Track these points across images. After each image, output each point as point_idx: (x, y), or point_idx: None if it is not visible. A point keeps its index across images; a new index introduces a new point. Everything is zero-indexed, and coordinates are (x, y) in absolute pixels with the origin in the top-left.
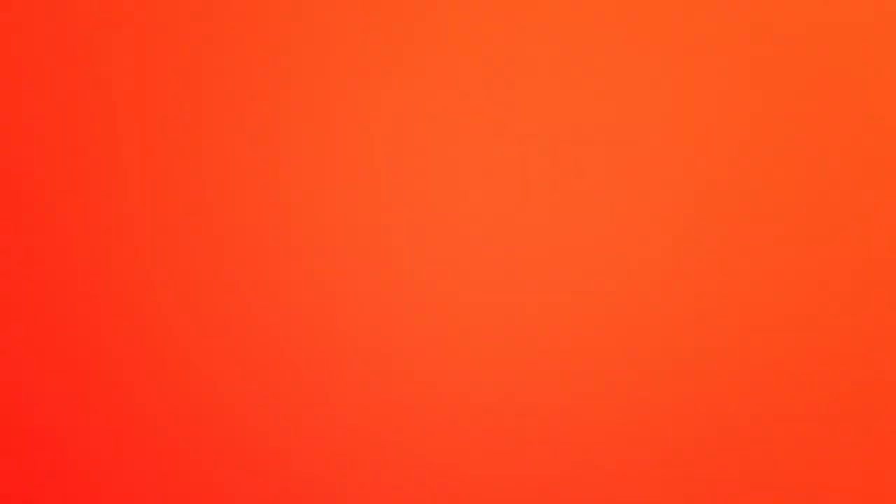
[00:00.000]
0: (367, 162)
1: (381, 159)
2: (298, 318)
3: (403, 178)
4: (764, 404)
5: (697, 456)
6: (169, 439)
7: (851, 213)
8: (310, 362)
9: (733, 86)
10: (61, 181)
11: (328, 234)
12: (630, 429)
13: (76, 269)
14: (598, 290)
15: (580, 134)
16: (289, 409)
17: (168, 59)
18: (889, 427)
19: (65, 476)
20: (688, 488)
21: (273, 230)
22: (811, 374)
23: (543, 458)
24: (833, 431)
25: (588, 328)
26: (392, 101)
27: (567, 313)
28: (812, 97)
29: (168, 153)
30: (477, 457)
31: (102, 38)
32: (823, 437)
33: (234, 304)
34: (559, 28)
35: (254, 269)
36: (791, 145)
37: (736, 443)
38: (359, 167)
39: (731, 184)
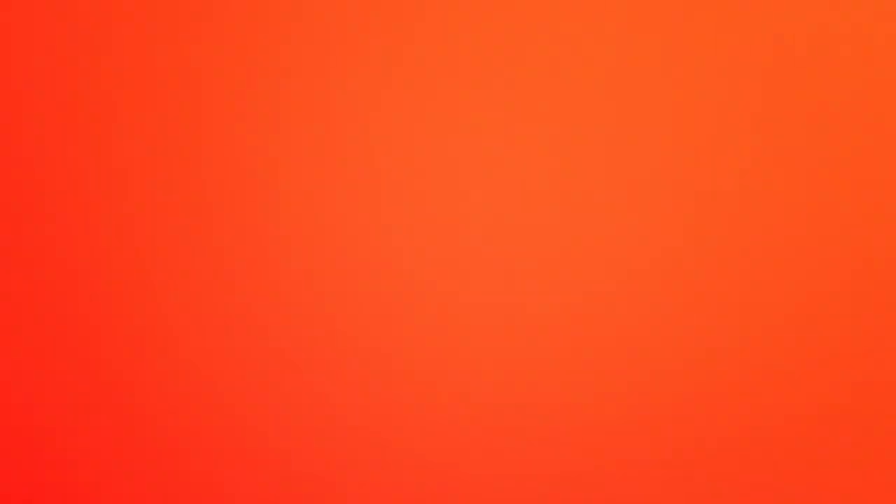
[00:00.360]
0: (367, 161)
1: (382, 159)
2: (299, 318)
3: (404, 178)
4: (764, 404)
5: (698, 456)
6: (168, 439)
7: (851, 213)
8: (311, 362)
9: (733, 86)
10: (59, 181)
11: (329, 233)
12: (630, 429)
13: (74, 269)
14: (598, 290)
15: (581, 134)
16: (289, 409)
17: (168, 58)
18: (889, 427)
19: (63, 476)
20: (688, 488)
21: (274, 229)
22: (811, 374)
23: (543, 458)
24: (833, 432)
25: (588, 328)
26: (392, 100)
27: (567, 313)
28: (812, 97)
29: (169, 152)
30: (477, 457)
31: (102, 38)
32: (823, 437)
33: (235, 303)
34: (559, 28)
35: (254, 268)
36: (791, 145)
37: (736, 443)
38: (359, 167)
39: (731, 184)
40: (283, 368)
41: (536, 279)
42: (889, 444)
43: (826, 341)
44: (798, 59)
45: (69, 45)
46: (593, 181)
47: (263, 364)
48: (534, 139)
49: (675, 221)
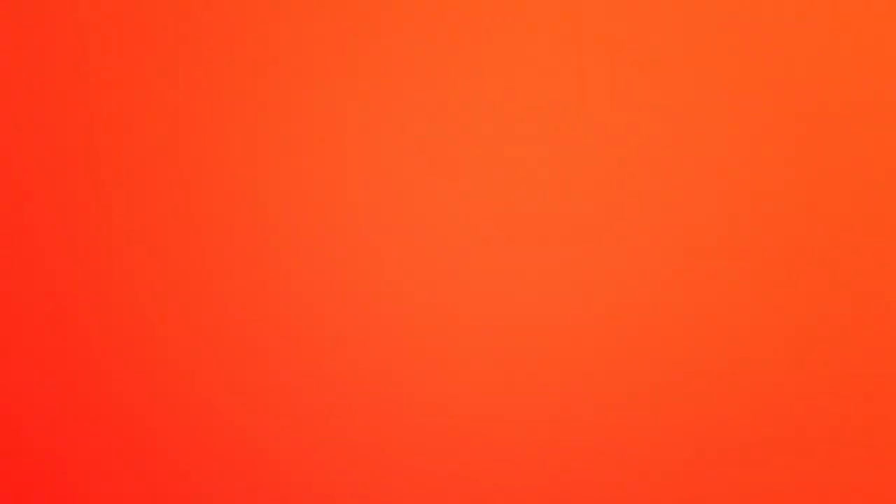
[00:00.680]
0: (363, 162)
1: (379, 159)
2: (293, 319)
3: (402, 178)
4: (764, 405)
5: (698, 456)
6: (157, 441)
7: (852, 213)
8: (305, 363)
9: (734, 86)
10: (47, 182)
11: (325, 234)
12: (630, 431)
13: (63, 270)
14: (598, 291)
15: (580, 134)
16: (283, 411)
17: (168, 57)
18: (889, 427)
19: (53, 477)
20: (688, 488)
21: (267, 231)
22: (811, 374)
23: (543, 458)
24: (834, 431)
25: (589, 328)
26: (390, 100)
27: (567, 315)
28: (812, 97)
29: (164, 153)
30: (477, 456)
31: (100, 37)
32: (824, 436)
33: (229, 305)
34: (560, 28)
35: (249, 269)
36: (791, 146)
37: (736, 443)
38: (356, 168)
39: (731, 184)
40: (279, 370)
41: (536, 280)
42: (889, 444)
43: (826, 341)
44: (798, 59)
45: (60, 46)
46: (593, 181)
47: (259, 365)
48: (533, 139)
49: (675, 222)
